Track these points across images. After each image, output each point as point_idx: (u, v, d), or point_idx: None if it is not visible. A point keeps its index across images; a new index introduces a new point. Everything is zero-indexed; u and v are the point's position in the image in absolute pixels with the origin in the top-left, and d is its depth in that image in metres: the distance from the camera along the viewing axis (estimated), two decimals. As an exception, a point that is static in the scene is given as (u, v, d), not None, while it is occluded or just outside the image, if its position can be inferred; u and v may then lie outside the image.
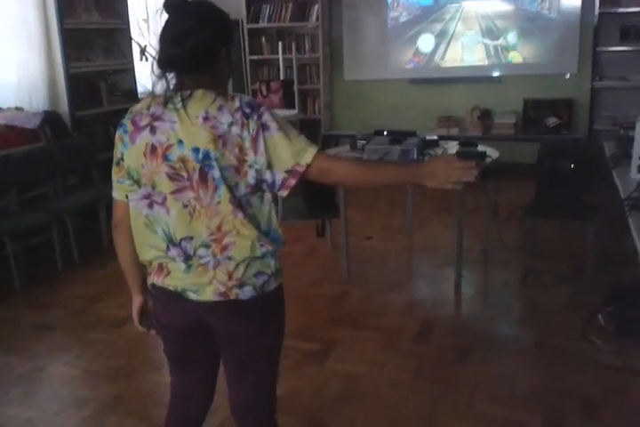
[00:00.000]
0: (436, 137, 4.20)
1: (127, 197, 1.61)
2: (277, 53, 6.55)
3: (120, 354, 3.07)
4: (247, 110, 1.48)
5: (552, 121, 6.24)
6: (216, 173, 1.47)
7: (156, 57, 1.51)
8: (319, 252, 4.43)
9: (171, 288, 1.60)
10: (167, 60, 1.49)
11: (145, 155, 1.52)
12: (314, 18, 6.66)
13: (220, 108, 1.47)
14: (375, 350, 3.04)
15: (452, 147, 3.96)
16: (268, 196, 1.57)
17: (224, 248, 1.53)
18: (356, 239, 4.47)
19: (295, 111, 6.31)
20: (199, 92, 1.49)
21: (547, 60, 6.26)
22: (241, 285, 1.55)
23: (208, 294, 1.56)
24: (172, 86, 1.52)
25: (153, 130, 1.51)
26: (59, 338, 3.30)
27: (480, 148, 3.94)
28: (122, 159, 1.58)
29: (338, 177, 1.60)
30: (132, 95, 5.38)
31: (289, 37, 6.84)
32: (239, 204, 1.51)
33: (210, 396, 1.84)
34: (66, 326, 3.40)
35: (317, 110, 7.00)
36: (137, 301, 1.79)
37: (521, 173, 4.89)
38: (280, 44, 6.53)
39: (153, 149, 1.51)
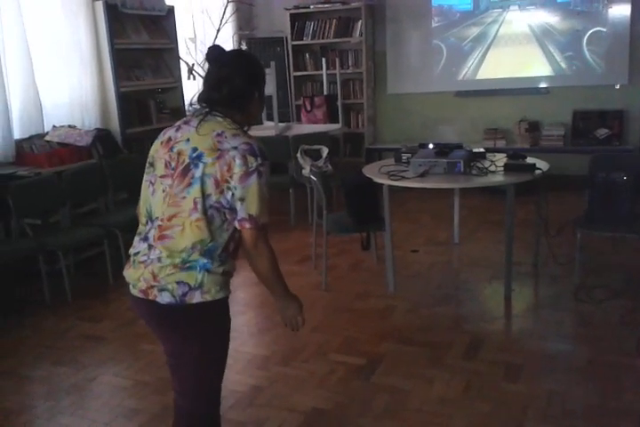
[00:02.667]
0: (482, 149, 4.15)
1: None
2: (321, 69, 6.61)
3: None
4: (256, 151, 1.69)
5: (602, 132, 6.10)
6: (197, 172, 1.68)
7: (198, 96, 1.83)
8: (364, 265, 4.41)
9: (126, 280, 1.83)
10: (206, 100, 1.79)
11: (162, 144, 1.80)
12: (357, 33, 6.71)
13: (234, 136, 1.71)
14: (422, 365, 3.00)
15: (500, 159, 3.90)
16: (231, 228, 1.72)
17: (161, 237, 1.72)
18: (402, 253, 4.45)
19: (339, 125, 6.35)
20: (225, 119, 1.75)
21: (596, 70, 6.14)
22: (161, 288, 1.70)
23: (136, 290, 1.77)
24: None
25: (178, 129, 1.80)
26: (109, 349, 3.36)
27: (529, 160, 3.88)
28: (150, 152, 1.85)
29: (256, 251, 1.73)
30: (179, 113, 5.49)
31: (332, 53, 6.90)
32: (202, 209, 1.68)
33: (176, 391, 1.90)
34: (116, 337, 3.46)
35: (361, 124, 7.02)
36: None
37: (571, 186, 4.79)
38: (324, 59, 6.59)
39: (168, 140, 1.79)
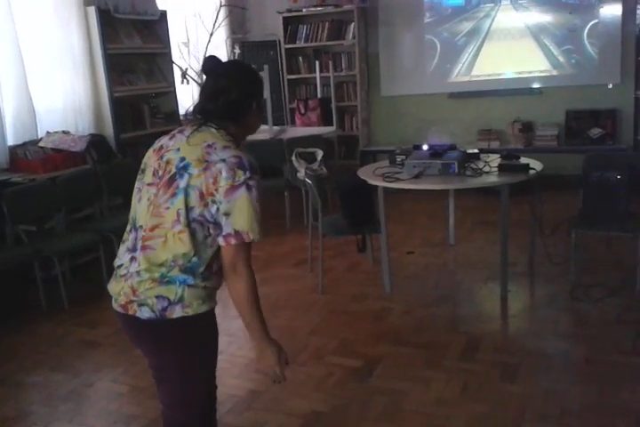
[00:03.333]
0: (476, 150, 4.16)
1: None
2: (315, 72, 6.62)
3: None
4: (245, 165, 1.63)
5: (596, 132, 6.13)
6: (182, 183, 1.64)
7: (194, 107, 1.80)
8: (360, 267, 4.41)
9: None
10: (201, 112, 1.77)
11: (154, 152, 1.78)
12: (350, 36, 6.72)
13: (224, 148, 1.66)
14: (419, 366, 3.00)
15: (494, 160, 3.91)
16: (216, 245, 1.66)
17: (143, 248, 1.67)
18: (398, 254, 4.45)
19: (333, 128, 6.36)
20: (220, 130, 1.72)
21: (588, 70, 6.17)
22: (141, 303, 1.66)
23: (117, 304, 1.73)
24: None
25: (172, 137, 1.78)
26: (106, 355, 3.35)
27: (522, 160, 3.89)
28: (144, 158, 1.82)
29: (233, 273, 1.65)
30: (173, 117, 5.50)
31: (326, 56, 6.92)
32: (185, 221, 1.63)
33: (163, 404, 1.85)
34: (112, 342, 3.45)
35: (355, 127, 7.03)
36: None
37: (565, 185, 4.80)
38: (317, 62, 6.60)
39: (160, 148, 1.76)
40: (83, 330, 3.66)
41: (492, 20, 6.39)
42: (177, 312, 1.64)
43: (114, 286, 1.75)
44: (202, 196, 1.62)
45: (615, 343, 3.07)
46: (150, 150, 1.80)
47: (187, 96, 5.90)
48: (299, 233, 5.12)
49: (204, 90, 1.78)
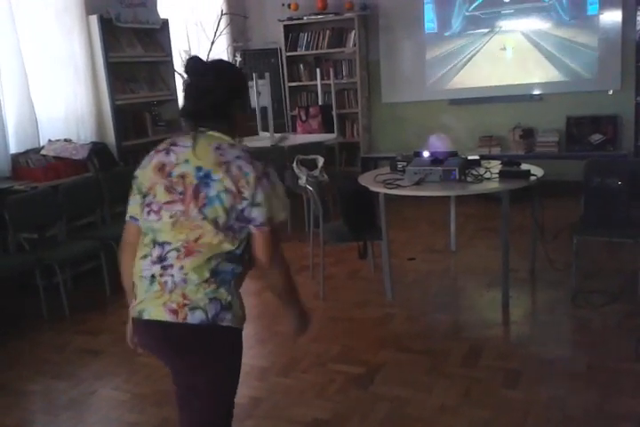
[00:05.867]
0: (477, 157, 4.16)
1: (135, 217, 1.75)
2: (315, 79, 6.64)
3: (167, 378, 3.04)
4: (254, 158, 1.67)
5: (596, 138, 6.13)
6: (211, 191, 1.62)
7: (180, 111, 1.77)
8: (362, 274, 4.41)
9: (135, 314, 1.70)
10: (188, 113, 1.74)
11: (154, 171, 1.70)
12: (351, 43, 6.75)
13: (231, 146, 1.68)
14: (422, 373, 2.99)
15: (495, 166, 3.91)
16: (245, 235, 1.67)
17: (188, 253, 1.63)
18: (399, 261, 4.45)
19: (334, 135, 6.37)
20: (216, 132, 1.70)
21: (588, 76, 6.18)
22: (193, 306, 1.62)
23: (159, 312, 1.64)
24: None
25: (168, 152, 1.71)
26: (107, 362, 3.35)
27: (523, 166, 3.89)
28: (135, 178, 1.75)
29: (270, 261, 1.70)
30: (175, 125, 5.51)
31: (326, 63, 6.94)
32: (224, 226, 1.62)
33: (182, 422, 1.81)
34: (114, 350, 3.44)
35: (356, 134, 7.04)
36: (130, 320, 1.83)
37: (566, 191, 4.80)
38: (318, 70, 6.63)
39: (162, 166, 1.69)
40: (84, 338, 3.66)
41: (494, 27, 6.41)
42: (227, 320, 1.65)
43: (152, 296, 1.65)
44: (234, 196, 1.62)
45: (617, 350, 3.06)
46: (147, 170, 1.71)
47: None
48: (300, 240, 5.12)
49: (189, 91, 1.73)
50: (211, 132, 1.70)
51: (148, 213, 1.69)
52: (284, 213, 1.70)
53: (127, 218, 1.78)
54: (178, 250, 1.64)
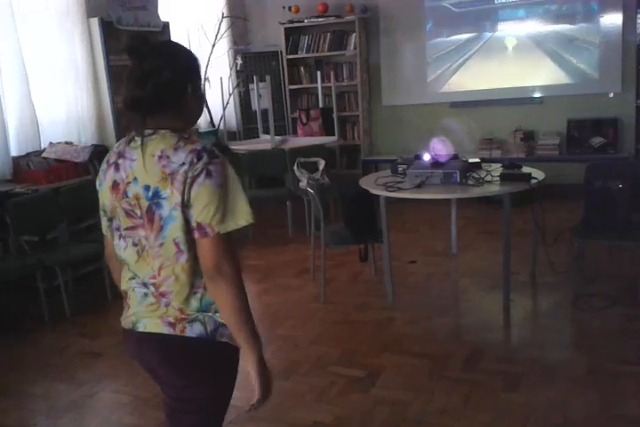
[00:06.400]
0: (478, 160, 4.17)
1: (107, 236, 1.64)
2: (316, 82, 6.65)
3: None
4: (203, 154, 1.44)
5: (597, 141, 6.14)
6: (164, 212, 1.45)
7: (122, 100, 1.53)
8: (362, 277, 4.41)
9: (128, 325, 1.59)
10: (130, 101, 1.49)
11: (110, 190, 1.55)
12: (352, 46, 6.76)
13: (175, 149, 1.45)
14: (422, 376, 2.99)
15: (496, 169, 3.92)
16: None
17: (162, 295, 1.51)
18: (400, 264, 4.45)
19: (335, 138, 6.38)
20: (162, 133, 1.49)
21: (589, 79, 6.18)
22: (191, 320, 1.51)
23: (152, 324, 1.54)
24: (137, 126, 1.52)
25: (117, 167, 1.54)
26: (108, 365, 3.34)
27: (524, 169, 3.89)
28: (98, 193, 1.62)
29: (219, 270, 1.44)
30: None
31: (327, 66, 6.95)
32: (186, 248, 1.46)
33: None
34: (114, 353, 3.44)
35: (357, 136, 7.05)
36: None
37: (567, 195, 4.80)
38: (318, 73, 6.64)
39: (115, 185, 1.54)
40: (85, 341, 3.66)
41: (494, 29, 6.42)
42: (226, 336, 1.53)
43: (147, 311, 1.54)
44: (182, 205, 1.44)
45: (618, 353, 3.05)
46: (104, 189, 1.57)
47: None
48: (301, 243, 5.13)
49: (130, 75, 1.49)
50: (156, 136, 1.48)
51: (119, 237, 1.57)
52: (217, 226, 1.42)
53: (104, 232, 1.66)
54: (148, 288, 1.52)
